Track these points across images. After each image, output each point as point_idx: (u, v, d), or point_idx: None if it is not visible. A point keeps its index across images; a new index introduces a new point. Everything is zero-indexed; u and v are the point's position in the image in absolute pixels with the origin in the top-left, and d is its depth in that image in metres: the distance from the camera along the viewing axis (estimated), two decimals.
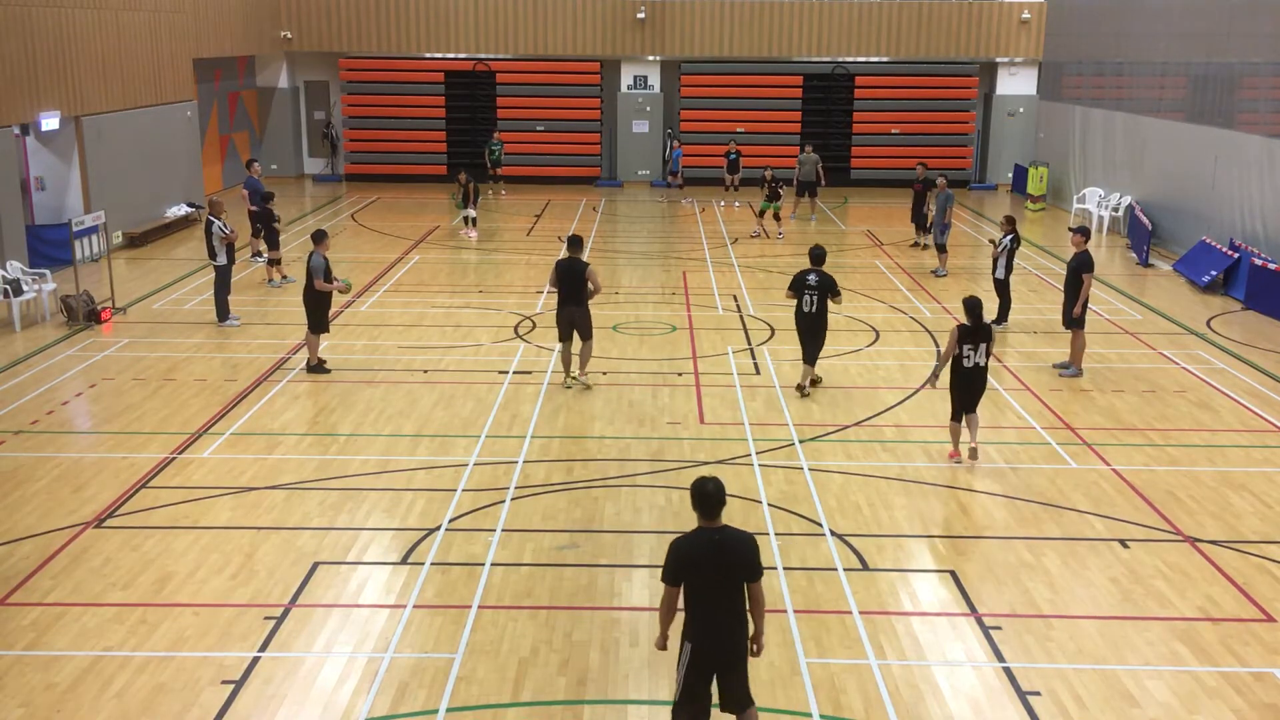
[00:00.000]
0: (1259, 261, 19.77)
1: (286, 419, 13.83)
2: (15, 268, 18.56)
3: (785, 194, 26.86)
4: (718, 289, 20.88)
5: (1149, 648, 8.81)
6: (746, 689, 7.02)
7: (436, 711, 7.89)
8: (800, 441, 13.05)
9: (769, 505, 11.28)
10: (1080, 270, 15.42)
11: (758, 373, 15.72)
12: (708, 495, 6.74)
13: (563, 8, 33.60)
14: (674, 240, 26.21)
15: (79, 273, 18.70)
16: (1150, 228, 24.01)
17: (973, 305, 12.17)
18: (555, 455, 12.64)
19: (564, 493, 11.62)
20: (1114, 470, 12.32)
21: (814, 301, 14.48)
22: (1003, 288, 18.02)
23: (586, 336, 14.76)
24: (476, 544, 10.43)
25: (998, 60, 34.67)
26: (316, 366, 15.46)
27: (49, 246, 20.55)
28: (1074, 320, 15.56)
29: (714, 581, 6.75)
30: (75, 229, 18.82)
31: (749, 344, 17.17)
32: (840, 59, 34.34)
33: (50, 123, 21.64)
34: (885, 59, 34.22)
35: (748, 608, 6.85)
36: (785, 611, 9.22)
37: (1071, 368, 15.74)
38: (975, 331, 12.16)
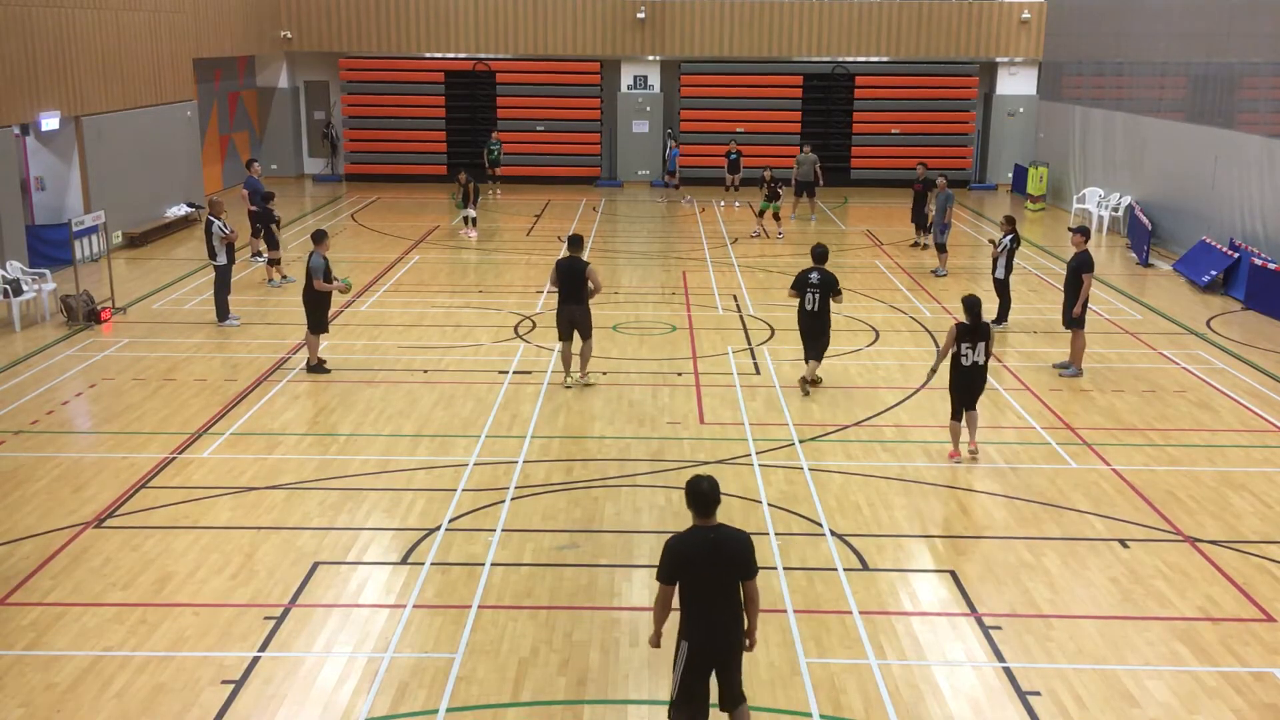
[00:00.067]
0: (1259, 261, 19.77)
1: (286, 419, 13.83)
2: (15, 268, 18.56)
3: (784, 194, 26.87)
4: (718, 289, 20.88)
5: (1149, 648, 8.81)
6: (740, 687, 7.04)
7: (436, 711, 7.89)
8: (800, 441, 13.05)
9: (769, 505, 11.29)
10: (1080, 270, 15.42)
11: (758, 373, 15.72)
12: (702, 494, 6.75)
13: (563, 8, 33.60)
14: (674, 240, 26.21)
15: (79, 273, 18.70)
16: (1150, 228, 24.01)
17: (971, 304, 12.18)
18: (555, 455, 12.64)
19: (564, 493, 11.62)
20: (1114, 470, 12.32)
21: (816, 300, 14.50)
22: (1002, 288, 18.02)
23: (586, 336, 14.75)
24: (476, 544, 10.43)
25: (998, 60, 34.67)
26: (316, 366, 15.46)
27: (49, 246, 20.56)
28: (1074, 320, 15.56)
29: (710, 580, 6.76)
30: (75, 229, 18.82)
31: (749, 344, 17.17)
32: (840, 59, 34.34)
33: (50, 123, 21.64)
34: (885, 59, 34.22)
35: (743, 606, 6.87)
36: (785, 611, 9.22)
37: (1071, 368, 15.74)
38: (974, 330, 12.17)
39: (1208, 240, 22.26)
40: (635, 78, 35.00)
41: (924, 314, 19.09)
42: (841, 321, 17.70)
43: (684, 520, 6.91)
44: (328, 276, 15.35)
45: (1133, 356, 16.76)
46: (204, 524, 10.82)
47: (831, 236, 26.23)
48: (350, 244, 25.09)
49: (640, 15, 33.39)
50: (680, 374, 15.65)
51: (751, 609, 6.91)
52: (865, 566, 10.09)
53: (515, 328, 17.96)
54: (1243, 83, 23.46)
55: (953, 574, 9.98)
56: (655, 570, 6.93)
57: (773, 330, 17.87)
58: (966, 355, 12.21)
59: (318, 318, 15.44)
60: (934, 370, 12.87)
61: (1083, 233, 15.79)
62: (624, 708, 7.99)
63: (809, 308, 14.57)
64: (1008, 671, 8.46)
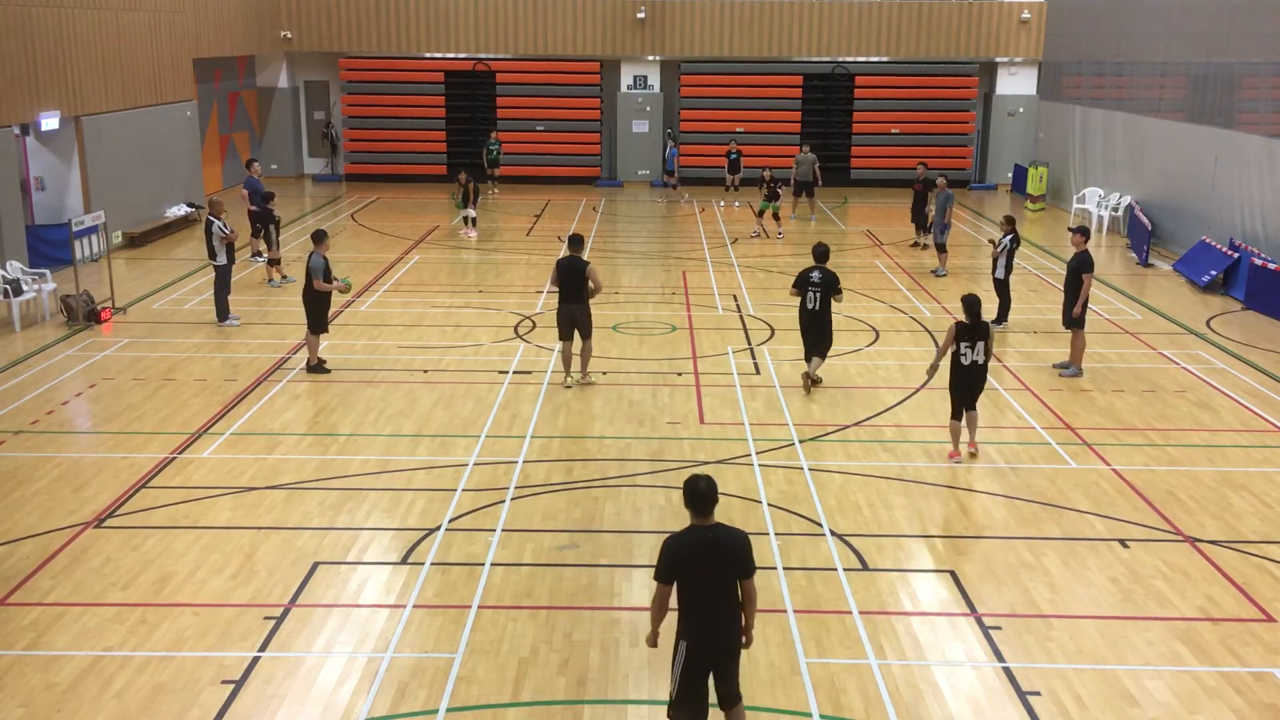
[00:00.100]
0: (1259, 261, 19.77)
1: (286, 419, 13.83)
2: (15, 268, 18.56)
3: (784, 194, 26.88)
4: (718, 289, 20.88)
5: (1149, 648, 8.81)
6: (737, 686, 7.04)
7: (436, 711, 7.89)
8: (800, 441, 13.04)
9: (769, 505, 11.28)
10: (1080, 270, 15.42)
11: (758, 373, 15.72)
12: (700, 493, 6.76)
13: (563, 8, 33.60)
14: (674, 240, 26.21)
15: (79, 273, 18.70)
16: (1150, 228, 24.01)
17: (971, 303, 12.18)
18: (555, 455, 12.64)
19: (564, 493, 11.62)
20: (1114, 470, 12.32)
21: (817, 299, 14.52)
22: (1002, 288, 18.02)
23: (586, 335, 14.75)
24: (476, 544, 10.43)
25: (998, 60, 34.67)
26: (316, 366, 15.46)
27: (49, 246, 20.56)
28: (1074, 320, 15.56)
29: (707, 579, 6.76)
30: (75, 229, 18.82)
31: (749, 344, 17.17)
32: (840, 59, 34.34)
33: (50, 123, 21.65)
34: (885, 59, 34.22)
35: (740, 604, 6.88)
36: (785, 611, 9.22)
37: (1071, 368, 15.74)
38: (973, 329, 12.17)
39: (1208, 240, 22.26)
40: (635, 78, 35.00)
41: (924, 314, 19.09)
42: (841, 321, 17.68)
43: (684, 520, 6.92)
44: (327, 276, 15.35)
45: (1133, 356, 16.76)
46: (204, 524, 10.82)
47: (831, 236, 26.21)
48: (350, 244, 25.09)
49: (640, 15, 33.39)
50: (680, 374, 15.65)
51: (749, 607, 6.91)
52: (865, 566, 10.09)
53: (515, 328, 17.96)
54: (1243, 83, 23.45)
55: (953, 574, 9.98)
56: (653, 570, 6.94)
57: (773, 330, 17.87)
58: (966, 354, 12.21)
59: (318, 318, 15.44)
60: (934, 367, 12.88)
61: (1083, 233, 15.79)
62: (624, 708, 7.99)
63: (810, 306, 14.58)
64: (1008, 671, 8.46)
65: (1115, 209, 27.42)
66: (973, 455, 12.50)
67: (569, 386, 14.84)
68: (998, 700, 8.11)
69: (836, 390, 14.94)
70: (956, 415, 12.46)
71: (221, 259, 17.94)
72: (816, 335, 14.72)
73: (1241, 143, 22.31)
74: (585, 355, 14.89)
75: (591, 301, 14.73)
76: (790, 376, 15.35)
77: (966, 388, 12.35)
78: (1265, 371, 16.02)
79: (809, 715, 7.90)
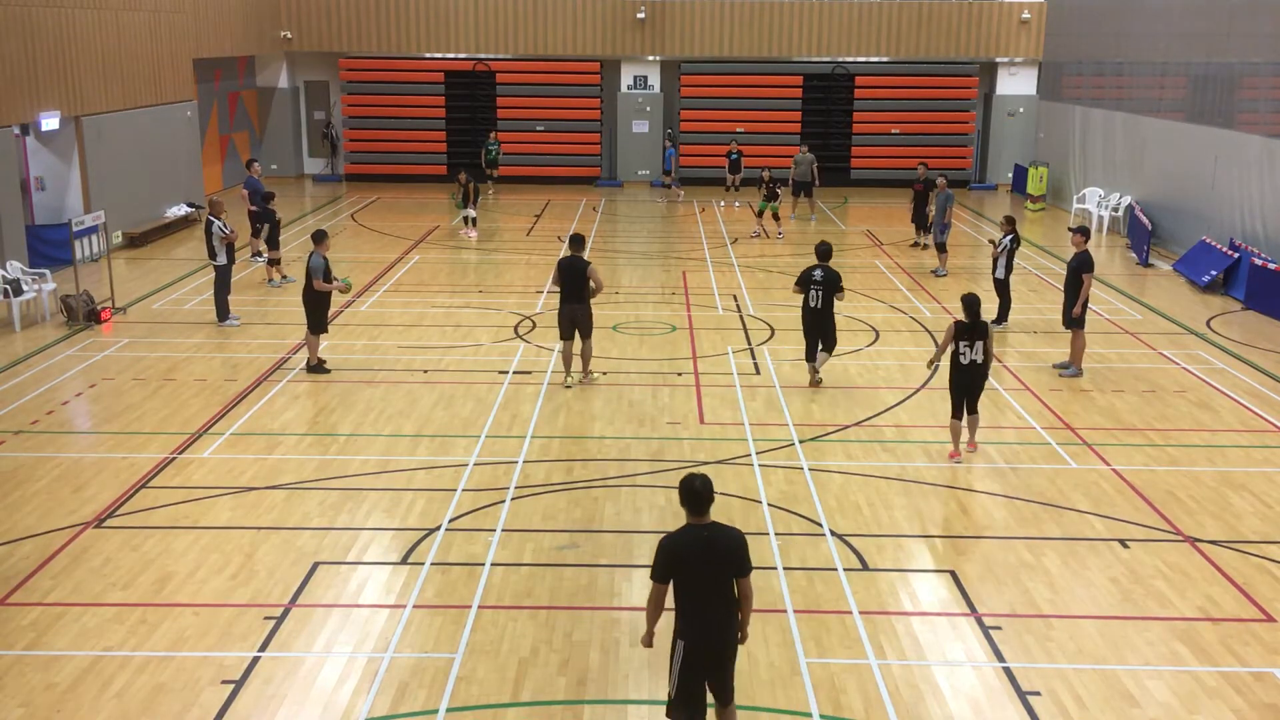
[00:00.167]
0: (1259, 261, 19.77)
1: (286, 419, 13.83)
2: (15, 268, 18.56)
3: (783, 194, 26.88)
4: (718, 289, 20.88)
5: (1149, 648, 8.81)
6: (731, 685, 7.05)
7: (436, 711, 7.89)
8: (800, 441, 13.05)
9: (769, 505, 11.28)
10: (1080, 270, 15.42)
11: (758, 373, 15.72)
12: (695, 492, 6.76)
13: (563, 8, 33.61)
14: (674, 240, 26.21)
15: (79, 273, 18.70)
16: (1150, 228, 24.01)
17: (970, 302, 12.18)
18: (555, 455, 12.64)
19: (564, 493, 11.62)
20: (1114, 470, 12.32)
21: (819, 297, 14.54)
22: (1003, 288, 18.03)
23: (587, 335, 14.76)
24: (476, 544, 10.43)
25: (998, 60, 34.67)
26: (316, 366, 15.46)
27: (49, 246, 20.56)
28: (1074, 320, 15.56)
29: (704, 578, 6.76)
30: (75, 229, 18.82)
31: (749, 344, 17.17)
32: (840, 59, 34.34)
33: (50, 123, 21.65)
34: (885, 59, 34.22)
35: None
36: (785, 611, 9.23)
37: (1071, 368, 15.74)
38: (972, 329, 12.17)
39: (1208, 240, 22.26)
40: (635, 78, 35.00)
41: (924, 314, 19.09)
42: (841, 321, 17.66)
43: (683, 520, 6.91)
44: (327, 276, 15.35)
45: (1133, 356, 16.76)
46: (204, 524, 10.82)
47: (831, 236, 26.08)
48: (350, 244, 25.09)
49: (640, 15, 33.39)
50: (680, 374, 15.65)
51: (745, 605, 6.91)
52: (865, 566, 10.09)
53: (515, 328, 17.96)
54: (1243, 83, 23.45)
55: (953, 574, 9.98)
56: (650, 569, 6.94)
57: (773, 330, 17.87)
58: (965, 354, 12.21)
59: (318, 318, 15.44)
60: (934, 363, 12.88)
61: (1083, 233, 15.79)
62: (624, 708, 7.99)
63: (812, 304, 14.61)
64: (1008, 671, 8.46)
65: (1115, 209, 27.42)
66: (971, 452, 12.51)
67: (569, 386, 14.85)
68: (998, 700, 8.11)
69: (836, 390, 14.94)
70: (956, 415, 12.46)
71: (221, 259, 17.94)
72: (819, 333, 14.74)
73: (1241, 143, 22.31)
74: (586, 355, 14.90)
75: (592, 301, 14.74)
76: (790, 376, 15.36)
77: (966, 388, 12.36)
78: (1265, 371, 16.02)
79: (809, 715, 7.90)
